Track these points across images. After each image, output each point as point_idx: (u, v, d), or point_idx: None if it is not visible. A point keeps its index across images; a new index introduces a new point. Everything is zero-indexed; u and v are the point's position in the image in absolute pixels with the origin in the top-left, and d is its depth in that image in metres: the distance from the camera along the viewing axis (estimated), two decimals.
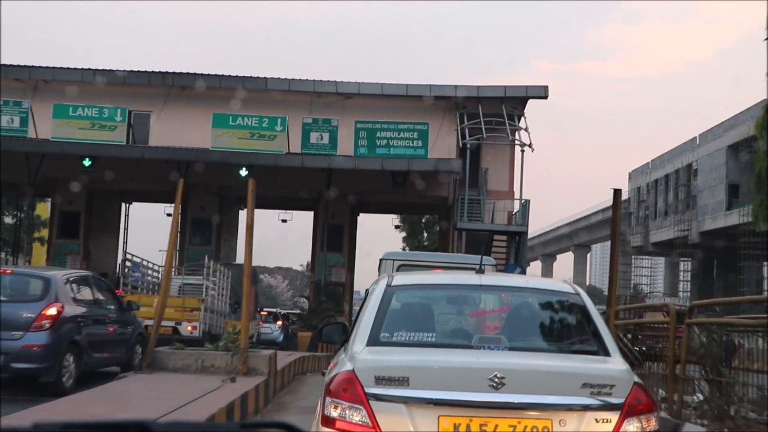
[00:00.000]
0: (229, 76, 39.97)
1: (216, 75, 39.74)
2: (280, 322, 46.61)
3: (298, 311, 46.89)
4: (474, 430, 5.53)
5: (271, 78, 39.82)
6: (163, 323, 25.84)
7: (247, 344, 15.51)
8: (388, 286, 6.65)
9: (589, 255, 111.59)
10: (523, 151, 37.51)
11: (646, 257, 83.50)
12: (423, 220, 65.62)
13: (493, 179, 40.69)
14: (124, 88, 39.41)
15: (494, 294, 7.09)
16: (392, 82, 39.31)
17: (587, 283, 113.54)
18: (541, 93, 39.83)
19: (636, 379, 5.90)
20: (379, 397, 5.56)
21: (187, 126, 38.94)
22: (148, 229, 48.48)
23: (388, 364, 5.76)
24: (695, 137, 69.90)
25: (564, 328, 6.72)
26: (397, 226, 53.40)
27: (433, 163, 35.73)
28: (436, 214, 46.23)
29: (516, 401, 5.56)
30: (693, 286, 68.66)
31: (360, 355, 5.89)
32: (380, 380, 5.59)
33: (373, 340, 6.13)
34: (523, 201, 37.50)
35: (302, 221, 42.79)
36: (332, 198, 38.47)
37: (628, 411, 5.62)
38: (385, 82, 39.80)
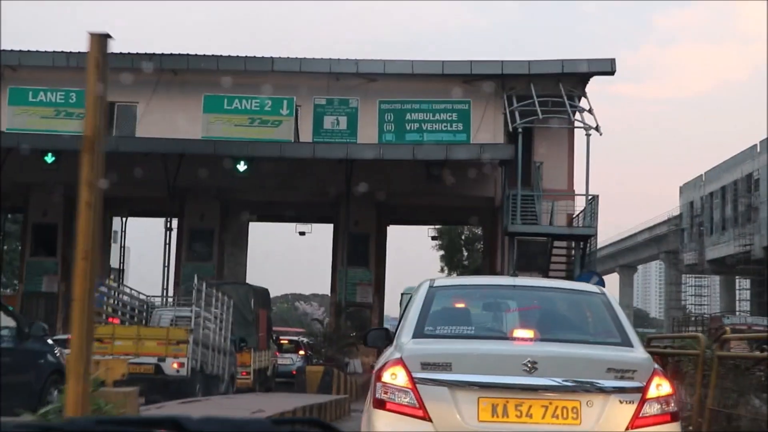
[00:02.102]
0: (229, 56, 31.44)
1: (213, 56, 31.24)
2: (302, 352, 37.24)
3: (306, 340, 37.74)
4: (510, 410, 5.88)
5: (279, 58, 31.34)
6: (144, 360, 20.63)
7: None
8: (431, 287, 6.88)
9: (635, 275, 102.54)
10: (588, 135, 28.56)
11: (702, 276, 75.20)
12: (463, 236, 56.99)
13: (549, 175, 31.75)
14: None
15: (527, 293, 7.28)
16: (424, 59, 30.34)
17: (633, 305, 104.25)
18: (607, 67, 31.05)
19: (656, 366, 6.29)
20: (425, 381, 5.92)
21: (181, 118, 30.33)
22: (147, 245, 39.71)
23: (432, 351, 6.16)
24: (755, 145, 62.71)
25: (590, 322, 6.93)
26: (433, 238, 44.13)
27: (476, 150, 27.11)
28: (478, 218, 37.09)
29: (547, 384, 5.88)
30: (752, 306, 62.17)
31: (407, 345, 6.24)
32: (426, 366, 5.95)
33: (419, 333, 6.40)
34: (589, 197, 28.38)
35: (325, 233, 33.22)
36: (355, 197, 29.76)
37: (648, 393, 5.95)
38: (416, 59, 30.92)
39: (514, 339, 6.44)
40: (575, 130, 32.42)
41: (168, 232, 31.17)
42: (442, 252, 57.46)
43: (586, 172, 28.86)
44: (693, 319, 64.08)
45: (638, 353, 6.30)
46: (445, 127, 28.22)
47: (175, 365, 22.90)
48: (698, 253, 67.00)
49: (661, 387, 5.96)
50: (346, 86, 31.45)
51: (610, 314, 6.67)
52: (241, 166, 27.73)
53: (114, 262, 40.60)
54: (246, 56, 31.81)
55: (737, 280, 68.59)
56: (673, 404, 6.05)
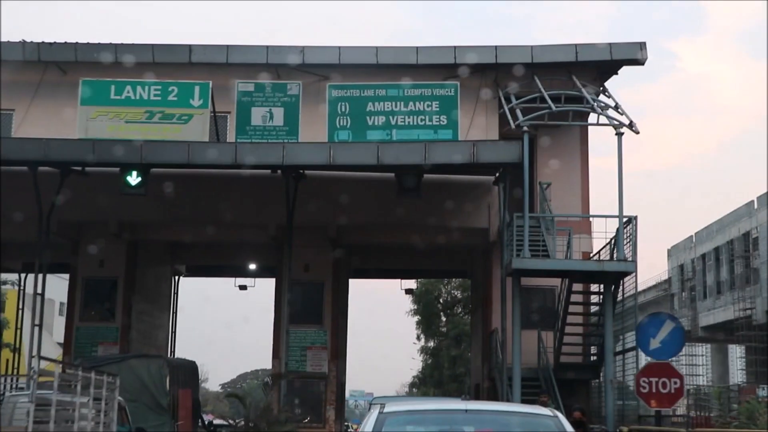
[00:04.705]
0: (132, 44, 21.76)
1: (110, 44, 21.62)
2: None
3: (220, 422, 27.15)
4: None
5: (199, 45, 21.70)
6: None
7: None
8: (380, 413, 6.73)
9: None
10: (621, 134, 19.05)
11: (696, 344, 66.84)
12: (441, 300, 47.38)
13: (559, 200, 22.31)
14: None
15: (477, 417, 6.91)
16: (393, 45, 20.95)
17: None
18: (635, 53, 21.72)
19: None
20: None
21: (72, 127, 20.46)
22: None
23: None
24: (752, 201, 54.88)
25: None
26: (408, 291, 33.96)
27: (468, 150, 17.53)
28: (467, 259, 27.10)
29: None
30: (748, 376, 53.87)
31: None
32: None
33: None
34: (624, 218, 18.74)
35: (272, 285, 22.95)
36: (301, 230, 20.26)
37: None
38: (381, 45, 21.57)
39: None
40: (590, 141, 23.09)
41: (38, 298, 20.78)
42: (418, 317, 47.98)
43: (618, 184, 19.28)
44: (688, 390, 55.34)
45: None
46: (422, 120, 18.87)
47: None
48: (691, 319, 59.19)
49: None
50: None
51: None
52: (133, 179, 18.05)
53: None
54: (154, 44, 22.18)
55: (730, 348, 61.28)
56: None
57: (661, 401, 13.31)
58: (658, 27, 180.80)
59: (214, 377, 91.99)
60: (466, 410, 6.89)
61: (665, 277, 68.64)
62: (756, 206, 52.62)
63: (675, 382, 13.22)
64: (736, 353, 62.16)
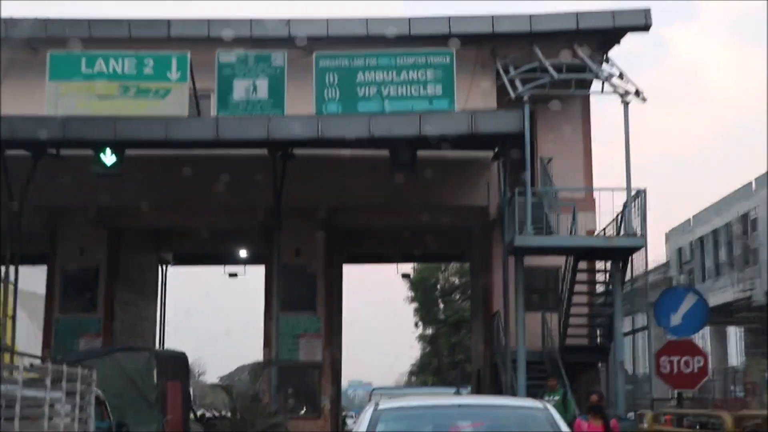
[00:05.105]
0: (112, 19, 20.48)
1: (84, 20, 20.23)
2: None
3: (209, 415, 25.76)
4: None
5: (178, 19, 20.35)
6: None
7: None
8: (375, 410, 6.82)
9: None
10: (627, 103, 17.78)
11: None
12: (438, 286, 46.18)
13: (561, 176, 21.07)
14: None
15: (470, 411, 7.04)
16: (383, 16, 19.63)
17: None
18: (639, 20, 20.51)
19: None
20: None
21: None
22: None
23: None
24: (750, 182, 53.28)
25: None
26: (404, 276, 32.63)
27: (465, 121, 16.16)
28: (465, 239, 25.78)
29: None
30: (748, 358, 51.98)
31: None
32: None
33: None
34: (633, 191, 17.48)
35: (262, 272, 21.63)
36: (291, 212, 19.01)
37: None
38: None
39: None
40: (592, 112, 21.79)
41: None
42: (416, 304, 46.76)
43: (625, 154, 18.04)
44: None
45: None
46: (416, 90, 17.55)
47: None
48: None
49: None
50: None
51: (553, 428, 6.49)
52: (107, 158, 16.73)
53: None
54: (131, 19, 20.79)
55: (728, 330, 61.39)
56: None
57: (684, 382, 12.05)
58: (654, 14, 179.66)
59: (213, 370, 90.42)
60: (459, 405, 7.20)
61: (663, 260, 67.65)
62: (754, 187, 51.58)
63: (698, 361, 11.99)
64: (735, 335, 61.20)
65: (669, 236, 65.65)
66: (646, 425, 12.44)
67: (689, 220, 64.33)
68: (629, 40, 21.35)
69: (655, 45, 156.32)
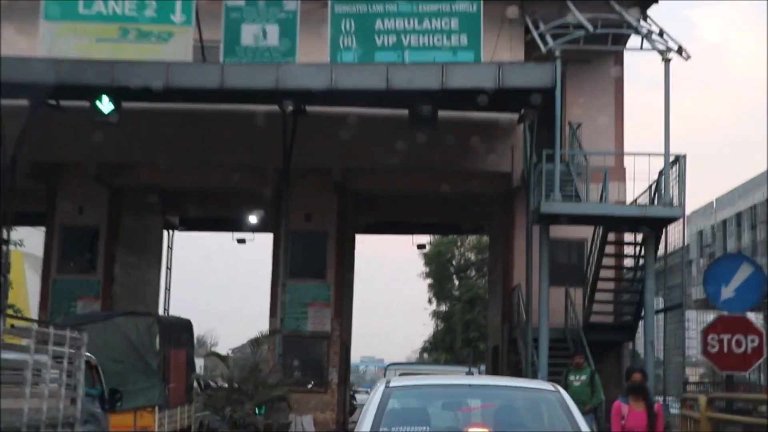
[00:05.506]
0: None
1: None
2: None
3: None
4: None
5: None
6: None
7: None
8: (386, 387, 6.74)
9: None
10: (668, 61, 16.25)
11: (710, 311, 63.75)
12: (453, 263, 44.76)
13: (590, 144, 19.56)
14: None
15: (481, 392, 7.04)
16: None
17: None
18: None
19: None
20: None
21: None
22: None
23: None
24: None
25: (545, 419, 6.67)
26: (420, 246, 31.22)
27: (492, 73, 14.64)
28: (488, 206, 24.28)
29: None
30: None
31: None
32: None
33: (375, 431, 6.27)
34: (671, 157, 15.98)
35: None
36: (301, 174, 17.68)
37: None
38: None
39: None
40: (626, 76, 20.23)
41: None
42: (429, 280, 45.41)
43: (665, 117, 16.51)
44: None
45: None
46: (439, 40, 16.02)
47: None
48: None
49: None
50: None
51: (564, 411, 6.43)
52: (105, 105, 15.37)
53: None
54: None
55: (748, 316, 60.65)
56: None
57: (734, 363, 10.56)
58: None
59: (224, 342, 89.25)
60: (470, 385, 7.08)
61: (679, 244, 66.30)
62: None
63: (752, 340, 10.51)
64: (755, 321, 60.08)
65: (690, 218, 64.29)
66: (696, 412, 10.95)
67: (712, 202, 62.89)
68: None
69: (681, 28, 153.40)
